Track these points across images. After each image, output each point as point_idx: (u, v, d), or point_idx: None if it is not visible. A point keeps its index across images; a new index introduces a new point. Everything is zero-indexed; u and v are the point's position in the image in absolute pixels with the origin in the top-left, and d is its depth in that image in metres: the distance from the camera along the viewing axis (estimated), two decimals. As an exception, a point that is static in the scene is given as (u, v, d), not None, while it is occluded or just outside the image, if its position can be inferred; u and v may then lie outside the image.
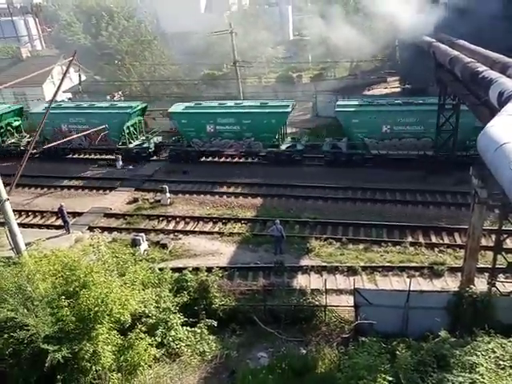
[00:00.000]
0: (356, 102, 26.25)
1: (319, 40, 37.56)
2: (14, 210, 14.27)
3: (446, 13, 25.11)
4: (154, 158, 29.35)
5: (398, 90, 37.41)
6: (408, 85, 36.16)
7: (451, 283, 15.79)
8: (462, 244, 17.18)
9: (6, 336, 9.82)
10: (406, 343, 11.73)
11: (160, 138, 30.08)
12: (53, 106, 31.50)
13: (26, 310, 9.99)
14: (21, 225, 17.18)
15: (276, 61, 44.47)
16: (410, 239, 18.49)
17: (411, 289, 13.15)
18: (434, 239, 18.62)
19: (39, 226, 21.64)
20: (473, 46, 17.08)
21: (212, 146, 27.54)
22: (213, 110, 27.37)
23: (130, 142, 28.88)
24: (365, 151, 25.28)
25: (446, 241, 18.49)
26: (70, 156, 30.88)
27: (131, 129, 29.07)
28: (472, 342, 11.00)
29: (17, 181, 13.63)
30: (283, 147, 26.91)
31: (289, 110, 26.49)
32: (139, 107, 29.46)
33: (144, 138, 29.92)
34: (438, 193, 22.19)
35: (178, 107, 28.36)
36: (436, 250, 17.83)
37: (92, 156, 30.66)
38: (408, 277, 15.97)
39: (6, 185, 13.40)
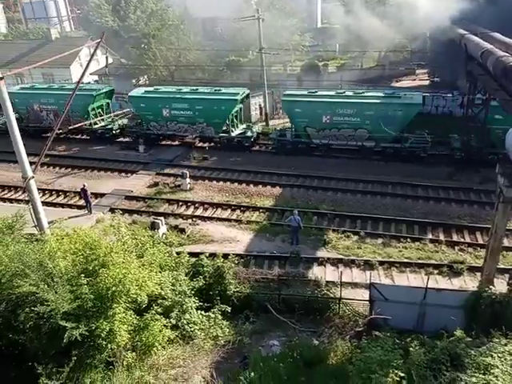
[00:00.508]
0: (303, 92, 26.75)
1: (348, 29, 36.90)
2: (38, 189, 14.64)
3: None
4: (121, 139, 30.55)
5: (427, 82, 36.52)
6: (437, 78, 35.26)
7: (470, 282, 15.51)
8: (484, 243, 16.85)
9: (27, 310, 10.12)
10: (420, 340, 11.64)
11: (125, 121, 30.72)
12: (26, 86, 32.98)
13: (46, 286, 10.24)
14: (44, 203, 17.57)
15: (302, 49, 43.82)
16: (430, 236, 18.23)
17: (429, 286, 12.98)
18: (454, 237, 18.27)
19: (62, 206, 22.17)
20: (508, 40, 16.50)
21: (168, 130, 28.50)
22: (169, 95, 28.33)
23: (96, 123, 29.85)
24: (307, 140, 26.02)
25: (467, 239, 18.12)
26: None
27: (98, 110, 30.15)
28: (488, 343, 10.87)
29: (42, 160, 13.96)
30: (234, 134, 27.54)
31: (238, 97, 27.05)
32: (104, 90, 30.55)
33: (110, 119, 31.02)
34: (462, 190, 21.72)
35: (137, 91, 29.55)
36: (456, 248, 17.51)
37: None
38: (426, 274, 15.74)
39: (31, 163, 13.74)
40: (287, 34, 41.59)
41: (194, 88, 29.28)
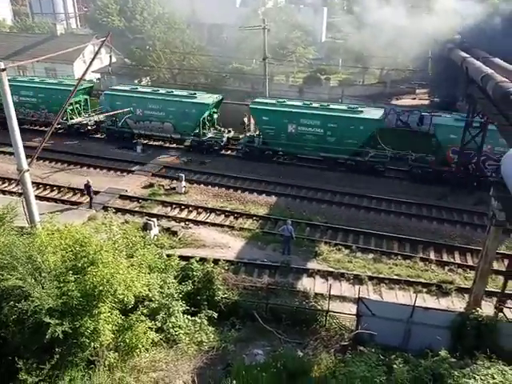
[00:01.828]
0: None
1: (352, 44, 37.33)
2: (32, 182, 14.57)
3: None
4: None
5: (427, 102, 36.87)
6: (436, 98, 35.63)
7: (458, 303, 15.56)
8: (473, 265, 16.92)
9: (11, 303, 10.01)
10: (405, 358, 11.64)
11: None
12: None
13: (33, 280, 10.15)
14: (37, 197, 17.48)
15: (306, 61, 44.23)
16: (420, 255, 18.28)
17: (416, 304, 13.01)
18: (445, 257, 18.34)
19: (55, 200, 22.05)
20: (508, 65, 16.72)
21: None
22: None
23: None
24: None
25: (458, 260, 18.19)
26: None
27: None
28: (472, 365, 10.88)
29: (38, 154, 13.92)
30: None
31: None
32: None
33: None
34: (456, 211, 21.85)
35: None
36: (446, 268, 17.57)
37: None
38: (414, 292, 15.77)
39: (27, 157, 13.70)
40: (291, 46, 41.97)
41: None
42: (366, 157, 25.17)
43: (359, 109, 26.00)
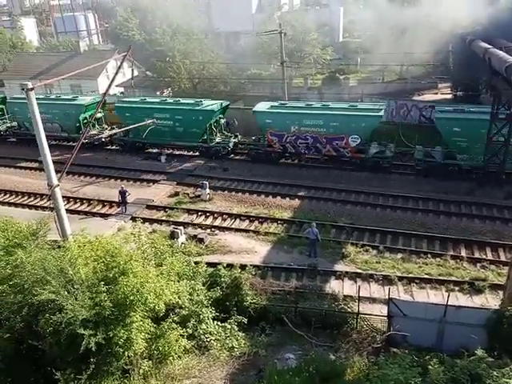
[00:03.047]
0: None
1: (370, 43, 36.98)
2: (62, 196, 15.03)
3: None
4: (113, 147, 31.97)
5: (450, 96, 36.12)
6: (460, 92, 34.86)
7: (492, 301, 15.13)
8: (507, 261, 16.43)
9: (46, 316, 10.31)
10: (440, 358, 11.36)
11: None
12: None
13: (66, 293, 10.43)
14: (68, 211, 18.00)
15: (323, 62, 44.07)
16: (451, 252, 17.89)
17: (449, 303, 12.73)
18: (476, 254, 17.88)
19: (85, 213, 22.66)
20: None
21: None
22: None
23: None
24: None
25: (490, 256, 17.70)
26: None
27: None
28: (511, 364, 10.51)
29: (67, 168, 14.37)
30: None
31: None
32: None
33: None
34: (485, 206, 21.29)
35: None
36: (478, 265, 17.13)
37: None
38: (446, 291, 15.45)
39: (57, 172, 14.16)
40: (309, 48, 41.90)
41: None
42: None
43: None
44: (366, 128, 24.82)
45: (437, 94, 37.56)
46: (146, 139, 29.44)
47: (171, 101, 30.58)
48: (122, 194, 21.81)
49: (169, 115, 28.85)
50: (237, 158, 29.32)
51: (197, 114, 28.37)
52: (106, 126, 32.52)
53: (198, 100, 30.02)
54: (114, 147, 32.09)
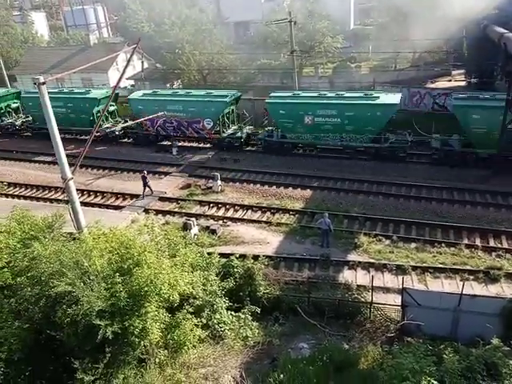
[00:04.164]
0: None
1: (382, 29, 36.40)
2: (76, 189, 15.21)
3: None
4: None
5: (464, 83, 35.50)
6: (474, 78, 34.22)
7: (508, 289, 14.98)
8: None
9: (64, 307, 10.49)
10: (454, 347, 11.33)
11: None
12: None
13: (82, 284, 10.60)
14: (82, 203, 18.20)
15: (334, 51, 43.56)
16: (466, 241, 17.71)
17: (464, 292, 12.64)
18: (491, 242, 17.68)
19: (99, 206, 22.89)
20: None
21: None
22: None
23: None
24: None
25: (505, 245, 17.48)
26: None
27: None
28: (527, 354, 10.45)
29: (80, 162, 14.52)
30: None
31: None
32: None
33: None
34: (500, 194, 20.99)
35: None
36: (493, 254, 16.94)
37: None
38: (461, 280, 15.33)
39: (70, 165, 14.31)
40: (319, 37, 41.42)
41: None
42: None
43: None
44: (217, 112, 27.90)
45: (450, 81, 36.93)
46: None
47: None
48: (144, 178, 22.76)
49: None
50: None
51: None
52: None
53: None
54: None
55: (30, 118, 34.28)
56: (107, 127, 30.85)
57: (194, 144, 30.69)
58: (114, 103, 32.68)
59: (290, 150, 27.33)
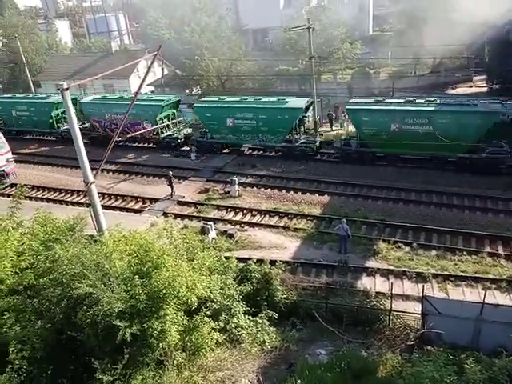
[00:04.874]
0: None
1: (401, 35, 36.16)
2: (98, 193, 15.48)
3: None
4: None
5: (485, 89, 34.96)
6: (496, 84, 33.65)
7: (532, 300, 14.60)
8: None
9: (84, 308, 10.66)
10: (476, 357, 11.10)
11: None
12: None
13: (102, 286, 10.75)
14: (104, 206, 18.50)
15: (353, 57, 43.46)
16: (488, 249, 17.36)
17: (486, 301, 12.38)
18: (516, 251, 17.29)
19: (120, 209, 23.25)
20: None
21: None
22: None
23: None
24: None
25: (530, 254, 17.08)
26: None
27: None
28: (552, 365, 10.16)
29: (102, 166, 14.77)
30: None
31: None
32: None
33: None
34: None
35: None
36: (517, 262, 16.57)
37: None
38: (483, 289, 15.01)
39: (92, 169, 14.58)
40: (337, 43, 41.41)
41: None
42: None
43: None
44: (154, 115, 30.17)
45: (471, 87, 36.44)
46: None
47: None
48: (169, 179, 23.73)
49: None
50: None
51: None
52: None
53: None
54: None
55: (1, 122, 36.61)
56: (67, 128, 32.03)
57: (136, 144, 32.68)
58: None
59: (220, 150, 29.51)
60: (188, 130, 32.08)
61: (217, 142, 29.52)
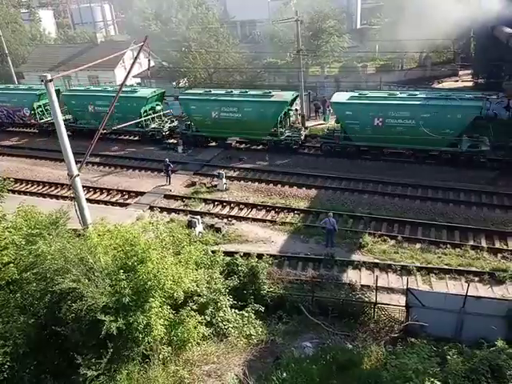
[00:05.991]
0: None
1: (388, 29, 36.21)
2: (83, 186, 15.28)
3: None
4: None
5: (471, 84, 35.30)
6: (481, 79, 34.00)
7: (514, 292, 14.89)
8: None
9: (68, 303, 10.53)
10: (459, 349, 11.30)
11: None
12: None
13: (87, 280, 10.62)
14: (88, 200, 18.28)
15: (341, 50, 43.41)
16: (471, 242, 17.62)
17: (468, 294, 12.58)
18: (497, 244, 17.58)
19: (105, 203, 22.99)
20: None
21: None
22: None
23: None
24: None
25: (511, 247, 17.38)
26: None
27: None
28: (532, 356, 10.38)
29: (87, 159, 14.56)
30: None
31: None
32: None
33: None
34: (507, 196, 20.86)
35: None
36: (499, 255, 16.84)
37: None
38: (466, 281, 15.26)
39: (77, 162, 14.37)
40: (325, 36, 41.29)
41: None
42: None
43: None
44: (31, 102, 32.71)
45: (457, 81, 36.74)
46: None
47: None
48: (166, 166, 23.95)
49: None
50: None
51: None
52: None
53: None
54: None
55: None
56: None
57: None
58: None
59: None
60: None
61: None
